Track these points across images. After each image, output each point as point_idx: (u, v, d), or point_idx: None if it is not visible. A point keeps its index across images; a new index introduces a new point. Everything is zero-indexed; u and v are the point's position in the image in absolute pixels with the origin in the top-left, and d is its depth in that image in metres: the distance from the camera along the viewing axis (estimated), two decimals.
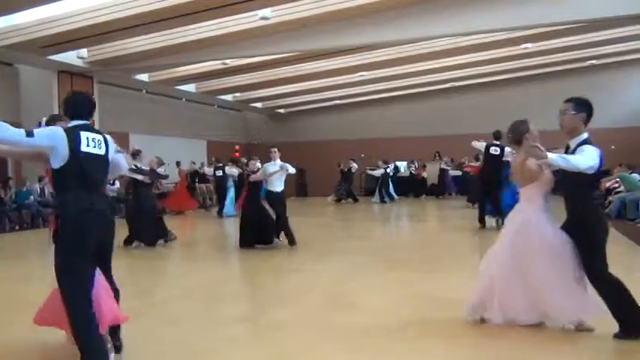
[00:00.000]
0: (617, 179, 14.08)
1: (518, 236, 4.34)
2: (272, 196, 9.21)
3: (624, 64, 21.12)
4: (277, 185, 9.08)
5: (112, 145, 3.87)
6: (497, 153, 10.99)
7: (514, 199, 11.00)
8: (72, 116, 3.71)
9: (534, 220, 4.37)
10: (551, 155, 4.03)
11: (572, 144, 4.33)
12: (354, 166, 20.34)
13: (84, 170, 3.57)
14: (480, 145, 11.68)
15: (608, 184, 15.04)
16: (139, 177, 9.50)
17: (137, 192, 9.72)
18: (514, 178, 4.47)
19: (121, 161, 4.18)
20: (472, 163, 16.53)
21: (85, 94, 3.94)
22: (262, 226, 8.95)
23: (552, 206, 4.48)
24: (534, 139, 4.21)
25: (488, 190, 11.10)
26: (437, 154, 22.35)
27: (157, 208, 10.45)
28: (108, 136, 3.86)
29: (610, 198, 13.74)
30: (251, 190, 9.18)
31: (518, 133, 4.59)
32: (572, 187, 4.27)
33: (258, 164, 9.59)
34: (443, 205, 18.34)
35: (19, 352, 4.15)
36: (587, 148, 4.17)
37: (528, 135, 4.41)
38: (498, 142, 11.07)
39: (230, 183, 15.54)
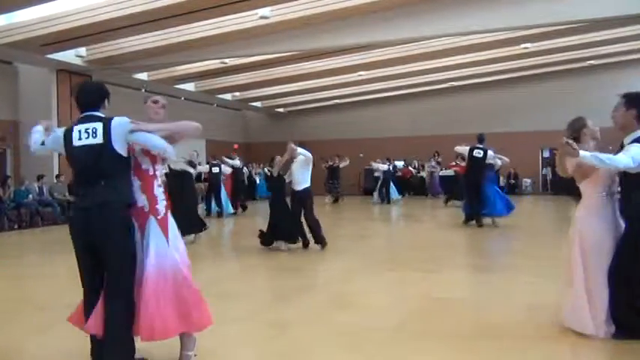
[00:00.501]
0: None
1: (575, 234, 4.22)
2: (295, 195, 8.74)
3: (624, 64, 21.13)
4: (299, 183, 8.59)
5: (122, 128, 3.51)
6: (480, 156, 11.35)
7: (501, 198, 11.52)
8: (80, 108, 3.57)
9: (581, 215, 4.22)
10: (583, 153, 3.88)
11: (626, 141, 4.12)
12: (344, 162, 20.04)
13: (74, 166, 3.42)
14: (463, 149, 12.07)
15: None
16: (192, 169, 9.44)
17: (185, 185, 9.56)
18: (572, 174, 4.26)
19: (152, 141, 3.65)
20: (460, 163, 16.55)
21: (95, 82, 3.82)
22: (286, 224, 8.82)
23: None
24: (593, 135, 4.19)
25: (470, 192, 11.52)
26: (436, 154, 22.36)
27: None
28: (117, 120, 3.54)
29: None
30: (277, 189, 9.00)
31: (574, 130, 4.43)
32: (628, 187, 4.04)
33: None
34: (432, 205, 18.32)
35: (19, 350, 4.14)
36: (634, 146, 3.96)
37: (586, 130, 4.34)
38: (481, 145, 11.48)
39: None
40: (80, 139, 3.43)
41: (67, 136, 3.49)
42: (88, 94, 3.72)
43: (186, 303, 3.45)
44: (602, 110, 20.49)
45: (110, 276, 3.34)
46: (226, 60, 16.18)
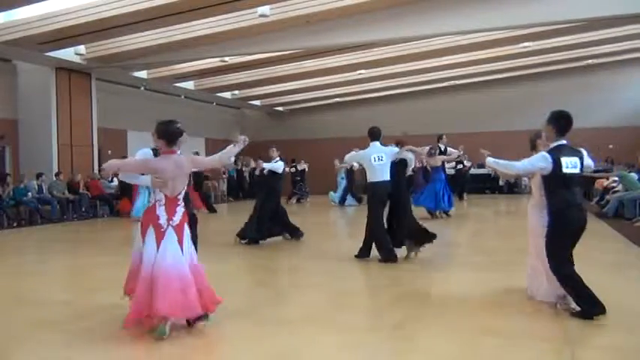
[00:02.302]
0: (616, 178, 14.10)
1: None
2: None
3: (623, 63, 21.13)
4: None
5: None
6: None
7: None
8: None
9: (529, 209, 5.28)
10: (488, 160, 5.09)
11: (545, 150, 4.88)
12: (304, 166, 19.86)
13: None
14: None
15: (606, 183, 15.07)
16: (279, 169, 9.32)
17: (273, 187, 9.38)
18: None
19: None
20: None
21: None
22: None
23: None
24: (544, 144, 4.94)
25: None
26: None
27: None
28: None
29: (607, 197, 13.76)
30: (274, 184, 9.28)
31: (532, 141, 5.37)
32: (547, 189, 4.81)
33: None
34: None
35: (18, 349, 4.14)
36: (536, 155, 4.86)
37: (539, 141, 5.17)
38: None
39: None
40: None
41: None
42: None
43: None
44: (601, 109, 20.69)
45: None
46: (226, 58, 16.17)
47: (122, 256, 9.20)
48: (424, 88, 23.26)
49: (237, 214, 15.75)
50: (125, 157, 15.14)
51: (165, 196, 4.35)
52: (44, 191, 13.87)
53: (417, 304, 5.26)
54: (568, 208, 4.67)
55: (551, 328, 4.34)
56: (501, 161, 5.03)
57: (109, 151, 14.74)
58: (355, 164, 17.25)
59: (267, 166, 9.22)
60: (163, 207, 4.34)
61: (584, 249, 8.47)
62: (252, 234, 9.05)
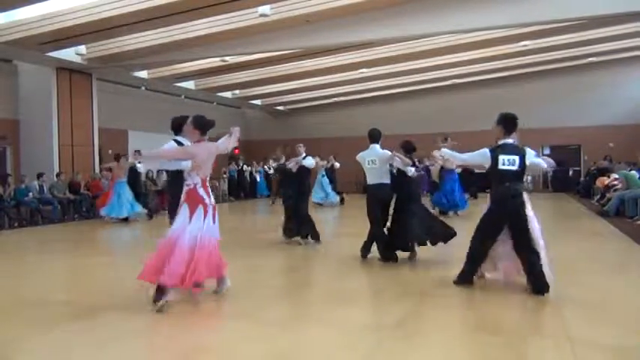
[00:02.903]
0: (617, 176, 14.10)
1: None
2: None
3: (623, 61, 21.11)
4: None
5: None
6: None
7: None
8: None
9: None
10: (443, 151, 5.91)
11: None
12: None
13: None
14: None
15: (607, 182, 15.06)
16: (312, 165, 9.21)
17: (303, 182, 9.24)
18: None
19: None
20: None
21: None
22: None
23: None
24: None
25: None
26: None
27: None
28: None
29: (609, 195, 13.75)
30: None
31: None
32: (491, 181, 5.49)
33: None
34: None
35: (19, 349, 4.14)
36: (479, 150, 5.54)
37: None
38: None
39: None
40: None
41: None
42: (172, 124, 5.57)
43: None
44: (601, 107, 20.71)
45: None
46: (226, 58, 16.17)
47: (122, 257, 9.24)
48: (424, 87, 23.26)
49: (238, 214, 15.75)
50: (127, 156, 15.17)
51: (201, 179, 5.03)
52: (45, 191, 13.88)
53: (417, 303, 5.26)
54: (503, 200, 5.31)
55: (552, 325, 4.34)
56: (449, 151, 5.82)
57: (110, 151, 14.74)
58: (336, 163, 17.44)
59: (306, 162, 9.02)
60: (202, 188, 5.04)
61: (586, 248, 8.51)
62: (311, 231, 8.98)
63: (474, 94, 23.10)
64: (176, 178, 5.31)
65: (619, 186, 13.58)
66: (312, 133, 25.28)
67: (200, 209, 5.00)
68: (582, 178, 21.06)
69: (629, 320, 4.54)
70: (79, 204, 14.69)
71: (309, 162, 9.12)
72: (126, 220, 13.32)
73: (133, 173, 13.82)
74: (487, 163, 5.32)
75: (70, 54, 14.34)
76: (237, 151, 23.89)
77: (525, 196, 5.48)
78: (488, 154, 5.30)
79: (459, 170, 14.47)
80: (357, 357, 3.86)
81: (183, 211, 5.01)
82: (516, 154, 5.30)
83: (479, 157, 5.42)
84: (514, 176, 5.32)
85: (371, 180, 7.35)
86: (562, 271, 6.56)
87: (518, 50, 17.54)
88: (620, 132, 21.01)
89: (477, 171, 21.32)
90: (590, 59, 20.37)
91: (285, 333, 4.43)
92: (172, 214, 5.39)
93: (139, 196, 14.24)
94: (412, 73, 20.39)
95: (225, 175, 21.69)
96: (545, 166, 5.77)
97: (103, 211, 13.34)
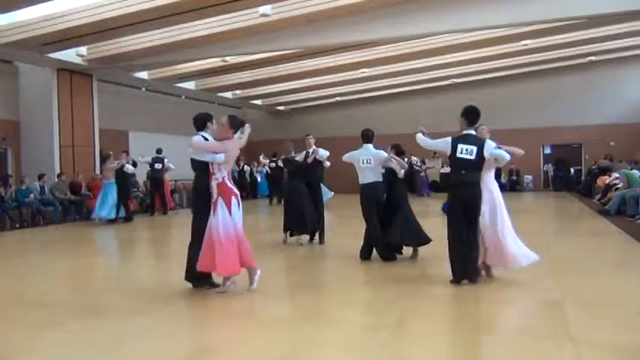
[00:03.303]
0: (618, 175, 14.08)
1: None
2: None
3: (624, 60, 21.10)
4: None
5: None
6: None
7: None
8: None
9: None
10: (418, 134, 6.26)
11: None
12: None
13: None
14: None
15: (608, 181, 15.05)
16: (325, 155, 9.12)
17: (315, 176, 9.13)
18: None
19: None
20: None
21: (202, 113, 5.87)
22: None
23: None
24: (483, 132, 5.99)
25: None
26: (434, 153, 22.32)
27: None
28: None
29: (610, 194, 13.74)
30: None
31: (475, 127, 5.94)
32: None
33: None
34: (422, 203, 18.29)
35: (18, 348, 4.15)
36: (443, 138, 5.85)
37: (480, 128, 5.97)
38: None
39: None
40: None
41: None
42: (196, 121, 5.73)
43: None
44: (602, 106, 20.67)
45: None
46: (227, 58, 16.17)
47: (123, 257, 9.25)
48: (425, 87, 23.26)
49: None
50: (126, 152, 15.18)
51: (227, 172, 5.47)
52: (46, 192, 13.89)
53: (417, 302, 5.26)
54: (458, 186, 5.61)
55: (554, 325, 4.34)
56: (422, 136, 6.17)
57: (111, 152, 14.75)
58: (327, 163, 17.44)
59: (322, 152, 8.93)
60: (229, 181, 5.47)
61: (587, 247, 8.51)
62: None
63: (474, 94, 22.95)
64: (202, 173, 5.57)
65: (620, 185, 13.57)
66: (313, 132, 25.16)
67: (234, 200, 5.41)
68: (583, 177, 21.05)
69: (631, 319, 4.53)
70: (80, 205, 14.69)
71: (324, 152, 9.07)
72: (114, 221, 13.23)
73: (122, 174, 13.68)
74: (448, 150, 5.65)
75: (70, 55, 14.35)
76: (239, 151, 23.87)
77: (489, 187, 5.81)
78: (450, 141, 5.65)
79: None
80: (358, 356, 3.86)
81: (221, 205, 5.35)
82: (475, 145, 5.56)
83: (442, 144, 5.77)
84: (471, 165, 5.57)
85: (366, 179, 7.38)
86: (563, 270, 6.56)
87: (519, 49, 17.54)
88: (621, 131, 21.00)
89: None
90: (591, 58, 20.36)
91: (285, 333, 4.43)
92: (198, 207, 5.71)
93: (127, 197, 13.92)
94: (413, 73, 20.39)
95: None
96: (509, 157, 5.84)
97: (99, 214, 13.28)
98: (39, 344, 4.23)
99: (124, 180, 13.78)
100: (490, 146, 5.64)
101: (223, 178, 5.41)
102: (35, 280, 7.00)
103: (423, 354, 3.86)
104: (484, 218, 5.69)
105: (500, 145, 5.89)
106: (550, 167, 22.95)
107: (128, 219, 13.64)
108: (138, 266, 8.26)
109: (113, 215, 13.27)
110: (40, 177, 13.85)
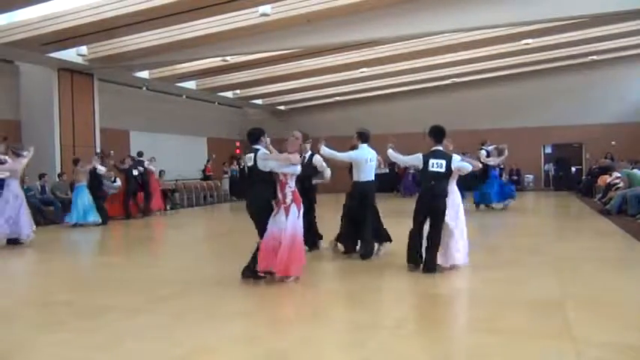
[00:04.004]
0: (619, 175, 14.06)
1: None
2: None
3: (625, 59, 21.07)
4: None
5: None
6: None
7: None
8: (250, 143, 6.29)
9: None
10: (389, 150, 7.18)
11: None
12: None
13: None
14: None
15: (609, 180, 15.04)
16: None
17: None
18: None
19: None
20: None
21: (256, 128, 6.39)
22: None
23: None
24: (449, 145, 6.80)
25: None
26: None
27: None
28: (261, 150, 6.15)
29: (611, 194, 13.73)
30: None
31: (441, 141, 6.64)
32: None
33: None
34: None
35: (20, 347, 4.15)
36: (415, 154, 6.60)
37: (445, 141, 6.60)
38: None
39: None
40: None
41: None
42: (251, 135, 6.29)
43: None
44: (604, 106, 20.65)
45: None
46: (227, 58, 16.17)
47: (126, 257, 9.25)
48: (424, 87, 23.25)
49: (238, 213, 15.75)
50: (131, 156, 15.15)
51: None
52: (47, 192, 13.89)
53: (418, 303, 5.26)
54: (424, 193, 6.43)
55: (555, 325, 4.34)
56: (393, 153, 7.04)
57: (112, 152, 14.75)
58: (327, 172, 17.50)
59: (327, 151, 7.91)
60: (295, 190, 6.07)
61: (588, 246, 8.50)
62: None
63: (475, 93, 23.08)
64: (267, 183, 6.13)
65: (621, 184, 13.56)
66: (313, 132, 25.16)
67: (301, 206, 6.03)
68: (584, 177, 21.03)
69: (632, 318, 4.53)
70: None
71: (328, 149, 8.07)
72: (77, 225, 12.51)
73: (95, 177, 13.17)
74: (420, 165, 6.43)
75: (71, 55, 14.36)
76: (238, 150, 23.91)
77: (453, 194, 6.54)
78: (422, 158, 6.42)
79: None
80: (358, 356, 3.86)
81: (294, 210, 5.97)
82: (444, 159, 6.37)
83: (415, 160, 6.59)
84: (441, 177, 6.37)
85: (366, 177, 7.76)
86: (564, 269, 6.56)
87: (520, 49, 17.52)
88: (622, 130, 20.98)
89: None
90: (592, 57, 20.33)
91: (285, 333, 4.43)
92: (263, 214, 6.08)
93: (100, 199, 13.23)
94: (413, 72, 20.38)
95: (226, 175, 21.69)
96: (471, 168, 6.65)
97: (73, 219, 12.61)
98: (41, 344, 4.23)
99: (96, 183, 13.23)
100: (456, 160, 6.47)
101: (294, 187, 6.03)
102: (37, 279, 7.01)
103: (423, 354, 3.86)
104: (451, 219, 6.49)
105: (463, 158, 6.76)
106: (551, 167, 22.94)
107: (102, 223, 12.85)
108: (137, 265, 8.26)
109: (90, 219, 12.59)
110: (41, 176, 13.85)
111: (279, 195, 6.00)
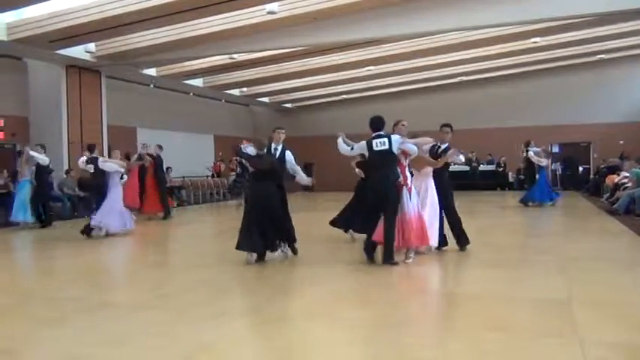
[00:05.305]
0: (627, 175, 13.98)
1: None
2: None
3: (634, 58, 20.94)
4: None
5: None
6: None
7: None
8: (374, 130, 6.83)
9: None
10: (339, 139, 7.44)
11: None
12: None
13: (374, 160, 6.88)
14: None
15: (617, 180, 14.96)
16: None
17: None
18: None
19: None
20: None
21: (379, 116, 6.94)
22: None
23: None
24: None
25: None
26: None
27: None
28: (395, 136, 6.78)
29: (618, 193, 13.66)
30: None
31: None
32: None
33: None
34: None
35: (28, 345, 4.18)
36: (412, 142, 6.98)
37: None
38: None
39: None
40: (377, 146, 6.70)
41: (369, 143, 6.76)
42: (377, 122, 6.84)
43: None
44: (611, 104, 20.60)
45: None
46: (234, 55, 16.19)
47: (132, 253, 9.29)
48: (432, 85, 23.19)
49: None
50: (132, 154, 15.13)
51: None
52: (55, 188, 13.96)
53: (425, 301, 5.26)
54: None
55: (560, 324, 4.32)
56: (341, 141, 7.28)
57: (117, 150, 14.79)
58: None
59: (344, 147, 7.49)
60: None
61: (596, 246, 8.47)
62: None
63: (482, 92, 23.00)
64: (395, 166, 6.74)
65: (629, 184, 13.49)
66: (320, 130, 25.27)
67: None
68: (592, 176, 20.93)
69: (639, 318, 4.51)
70: (88, 201, 14.74)
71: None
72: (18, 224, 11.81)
73: (39, 170, 12.01)
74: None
75: (79, 52, 14.41)
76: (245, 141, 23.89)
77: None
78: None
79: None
80: (365, 354, 3.87)
81: (415, 191, 6.72)
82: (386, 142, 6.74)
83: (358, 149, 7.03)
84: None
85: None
86: (571, 268, 6.54)
87: (528, 47, 17.43)
88: (630, 129, 20.85)
89: (481, 169, 21.38)
90: (601, 56, 20.21)
91: (291, 330, 4.44)
92: (394, 193, 6.56)
93: (45, 197, 12.29)
94: (420, 71, 20.34)
95: (232, 173, 21.71)
96: (415, 149, 6.86)
97: (18, 217, 11.76)
98: (47, 340, 4.25)
99: (41, 177, 12.11)
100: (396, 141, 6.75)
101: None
102: (43, 275, 7.06)
103: (431, 352, 3.86)
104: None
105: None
106: (558, 166, 22.83)
107: (46, 224, 11.99)
108: (143, 261, 8.30)
109: (28, 219, 11.69)
110: (49, 173, 13.89)
111: (402, 177, 6.59)
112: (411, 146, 6.79)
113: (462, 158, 7.87)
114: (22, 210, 11.69)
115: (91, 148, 11.04)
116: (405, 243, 6.54)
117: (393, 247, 6.47)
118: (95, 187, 10.83)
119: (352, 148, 7.12)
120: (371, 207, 6.67)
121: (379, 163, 6.65)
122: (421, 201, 7.01)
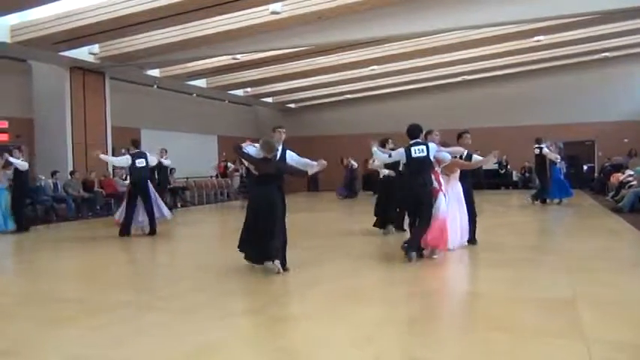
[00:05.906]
0: (632, 172, 13.95)
1: None
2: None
3: (638, 56, 20.85)
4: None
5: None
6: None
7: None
8: (411, 137, 7.09)
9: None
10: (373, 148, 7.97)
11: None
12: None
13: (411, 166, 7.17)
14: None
15: (621, 178, 14.91)
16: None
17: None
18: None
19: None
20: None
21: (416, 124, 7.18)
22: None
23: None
24: (435, 138, 7.62)
25: None
26: None
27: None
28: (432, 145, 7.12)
29: (623, 192, 13.61)
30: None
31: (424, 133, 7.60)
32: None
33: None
34: None
35: (34, 346, 4.19)
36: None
37: (430, 135, 7.61)
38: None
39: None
40: (416, 153, 6.97)
41: (408, 150, 7.01)
42: (415, 130, 7.10)
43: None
44: (616, 103, 20.51)
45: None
46: (238, 56, 16.20)
47: (135, 254, 9.31)
48: (436, 84, 23.15)
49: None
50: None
51: None
52: (59, 189, 14.01)
53: (429, 301, 5.25)
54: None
55: (566, 324, 4.31)
56: (377, 151, 7.91)
57: (122, 150, 14.85)
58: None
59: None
60: None
61: (601, 245, 8.44)
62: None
63: (485, 91, 22.96)
64: (430, 171, 7.11)
65: (634, 182, 13.44)
66: (324, 130, 25.29)
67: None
68: (596, 174, 20.85)
69: None
70: (92, 202, 14.81)
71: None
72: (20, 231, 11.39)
73: (19, 175, 11.56)
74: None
75: (83, 53, 14.46)
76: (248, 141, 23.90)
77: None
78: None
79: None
80: (370, 353, 3.86)
81: (445, 195, 7.10)
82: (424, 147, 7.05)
83: (397, 155, 7.34)
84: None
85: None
86: (576, 267, 6.52)
87: (532, 46, 17.40)
88: (634, 127, 20.78)
89: (485, 168, 21.38)
90: (605, 54, 20.14)
91: (296, 329, 4.44)
92: (428, 197, 6.96)
93: (22, 204, 11.80)
94: (424, 70, 20.31)
95: (237, 173, 21.72)
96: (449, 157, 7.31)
97: None
98: (53, 341, 4.26)
99: (20, 182, 11.64)
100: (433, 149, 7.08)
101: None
102: (48, 276, 7.07)
103: (436, 352, 3.85)
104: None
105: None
106: (563, 164, 22.74)
107: (23, 229, 11.44)
108: (146, 261, 8.31)
109: (9, 227, 11.33)
110: (53, 174, 13.97)
111: (436, 183, 7.00)
112: (444, 154, 7.24)
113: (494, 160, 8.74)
114: (1, 219, 11.32)
115: (136, 144, 11.00)
116: (424, 242, 6.87)
117: (419, 241, 6.82)
118: (144, 182, 10.44)
119: (390, 156, 7.73)
120: (409, 211, 7.26)
121: (417, 169, 6.97)
122: (450, 203, 7.36)
